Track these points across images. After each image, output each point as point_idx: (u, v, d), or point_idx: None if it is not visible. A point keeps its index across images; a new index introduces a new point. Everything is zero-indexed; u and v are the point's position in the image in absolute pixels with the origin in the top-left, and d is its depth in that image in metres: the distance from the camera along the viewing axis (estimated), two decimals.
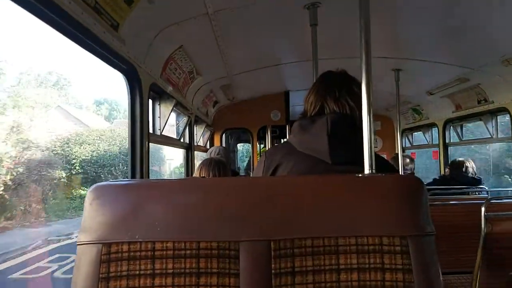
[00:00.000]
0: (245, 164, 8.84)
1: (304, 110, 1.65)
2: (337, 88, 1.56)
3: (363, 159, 1.35)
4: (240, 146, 10.54)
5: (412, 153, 6.14)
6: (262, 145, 6.67)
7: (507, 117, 3.85)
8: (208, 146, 5.49)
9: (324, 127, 1.47)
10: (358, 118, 1.50)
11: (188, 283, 0.97)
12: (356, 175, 1.16)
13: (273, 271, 0.97)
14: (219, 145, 5.73)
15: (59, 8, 1.53)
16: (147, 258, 0.98)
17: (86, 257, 0.99)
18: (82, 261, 0.99)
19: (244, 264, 0.97)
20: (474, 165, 4.15)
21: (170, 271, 0.97)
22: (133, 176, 2.41)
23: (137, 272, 0.97)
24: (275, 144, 5.63)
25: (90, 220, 1.01)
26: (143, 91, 2.44)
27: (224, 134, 6.18)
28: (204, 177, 2.49)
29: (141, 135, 2.43)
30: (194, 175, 2.84)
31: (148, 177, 2.56)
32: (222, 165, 2.51)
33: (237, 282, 0.97)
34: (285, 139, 5.85)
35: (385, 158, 1.84)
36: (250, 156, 6.71)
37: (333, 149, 1.44)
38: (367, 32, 1.42)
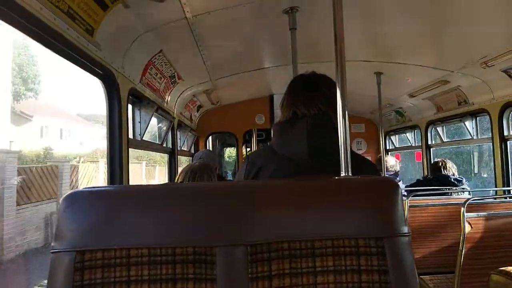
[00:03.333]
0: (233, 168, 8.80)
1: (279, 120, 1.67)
2: (305, 91, 1.58)
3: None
4: (228, 153, 10.46)
5: (396, 154, 6.20)
6: (248, 149, 6.69)
7: (487, 118, 3.92)
8: (192, 151, 5.45)
9: (303, 129, 1.47)
10: (335, 119, 1.51)
11: None
12: (334, 177, 1.16)
13: (249, 275, 0.96)
14: (203, 149, 5.70)
15: (30, 14, 1.50)
16: (122, 265, 0.96)
17: (59, 265, 0.97)
18: (55, 269, 0.97)
19: (220, 269, 0.97)
20: (454, 165, 4.22)
21: (146, 277, 0.96)
22: (112, 182, 2.37)
23: (112, 280, 0.96)
24: (259, 147, 5.63)
25: (63, 228, 0.99)
26: (121, 96, 2.41)
27: (210, 138, 6.15)
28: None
29: (120, 140, 2.39)
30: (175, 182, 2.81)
31: (128, 183, 2.52)
32: (199, 171, 2.48)
33: (214, 287, 0.96)
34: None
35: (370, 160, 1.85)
36: (236, 160, 6.70)
37: (312, 151, 1.44)
38: (340, 35, 1.42)
